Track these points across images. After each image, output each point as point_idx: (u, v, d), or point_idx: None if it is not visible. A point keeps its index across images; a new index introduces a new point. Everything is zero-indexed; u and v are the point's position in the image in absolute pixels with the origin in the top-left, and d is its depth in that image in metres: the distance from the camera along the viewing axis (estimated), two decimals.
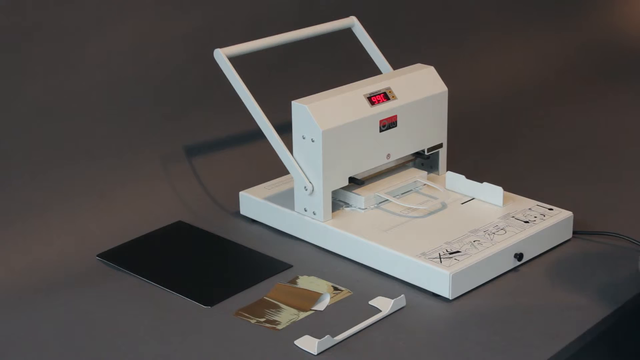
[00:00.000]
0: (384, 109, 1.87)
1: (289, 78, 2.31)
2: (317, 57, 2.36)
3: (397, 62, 2.09)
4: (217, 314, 1.63)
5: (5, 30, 1.84)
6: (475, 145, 2.34)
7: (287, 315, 1.62)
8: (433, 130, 1.98)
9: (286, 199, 1.91)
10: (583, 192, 2.06)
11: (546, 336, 1.56)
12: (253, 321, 1.61)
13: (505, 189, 1.89)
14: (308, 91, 1.87)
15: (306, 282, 1.73)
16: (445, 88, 1.98)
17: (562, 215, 1.84)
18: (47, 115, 1.92)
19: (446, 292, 1.65)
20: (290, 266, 1.78)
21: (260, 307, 1.65)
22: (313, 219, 1.84)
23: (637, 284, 1.68)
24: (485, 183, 1.90)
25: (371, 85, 1.89)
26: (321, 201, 1.81)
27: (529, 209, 1.86)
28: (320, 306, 1.65)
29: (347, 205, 1.89)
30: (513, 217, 1.84)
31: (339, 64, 2.39)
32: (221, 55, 1.89)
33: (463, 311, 1.64)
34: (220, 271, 1.78)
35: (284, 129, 1.91)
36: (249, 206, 1.96)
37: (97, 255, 1.82)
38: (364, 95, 1.86)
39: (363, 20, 2.11)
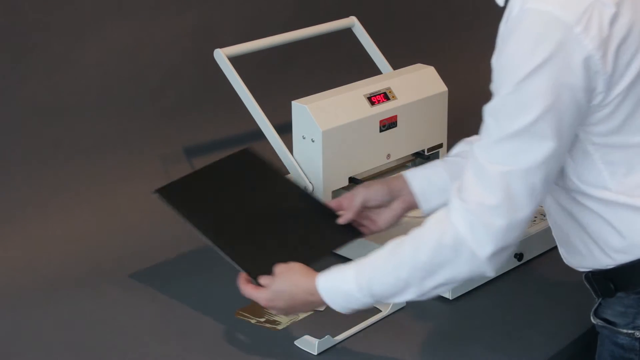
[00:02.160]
0: (384, 109, 1.86)
1: (289, 78, 2.30)
2: (317, 57, 2.35)
3: (397, 62, 2.09)
4: (217, 314, 1.63)
5: (5, 30, 1.84)
6: None
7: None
8: (433, 131, 1.98)
9: None
10: None
11: (546, 336, 1.56)
12: (253, 321, 1.61)
13: None
14: (308, 91, 1.87)
15: None
16: (445, 88, 1.98)
17: None
18: (47, 114, 1.92)
19: (446, 292, 1.65)
20: None
21: (261, 307, 1.64)
22: None
23: None
24: None
25: (371, 85, 1.89)
26: None
27: None
28: (321, 306, 1.65)
29: None
30: None
31: (339, 64, 2.38)
32: (221, 55, 1.88)
33: (463, 311, 1.64)
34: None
35: (284, 129, 1.90)
36: None
37: (155, 191, 1.59)
38: (364, 95, 1.86)
39: (363, 20, 2.11)
